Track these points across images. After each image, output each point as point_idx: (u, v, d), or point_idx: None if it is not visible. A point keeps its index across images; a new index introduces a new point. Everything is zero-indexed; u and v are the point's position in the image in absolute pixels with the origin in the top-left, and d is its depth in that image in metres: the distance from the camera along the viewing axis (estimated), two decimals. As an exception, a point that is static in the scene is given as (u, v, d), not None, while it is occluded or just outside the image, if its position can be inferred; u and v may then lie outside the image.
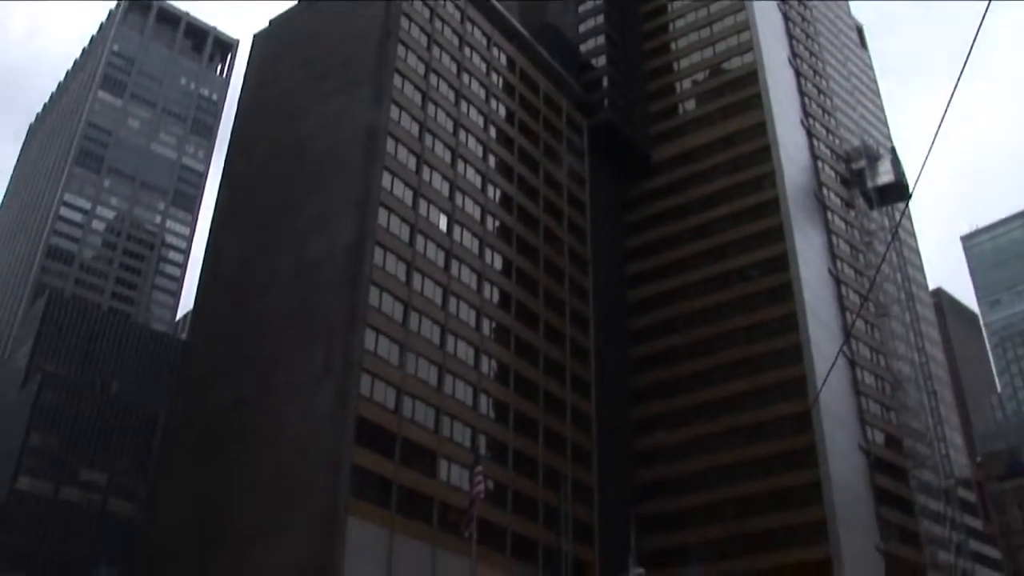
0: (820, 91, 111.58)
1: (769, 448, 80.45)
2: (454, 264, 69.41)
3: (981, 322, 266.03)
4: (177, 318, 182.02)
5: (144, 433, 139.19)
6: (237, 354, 66.39)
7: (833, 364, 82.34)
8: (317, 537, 53.43)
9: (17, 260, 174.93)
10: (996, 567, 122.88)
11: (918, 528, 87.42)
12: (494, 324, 71.67)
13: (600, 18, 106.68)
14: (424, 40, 75.80)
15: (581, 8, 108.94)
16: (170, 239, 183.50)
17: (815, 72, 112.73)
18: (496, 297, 73.05)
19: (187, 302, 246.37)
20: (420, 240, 66.86)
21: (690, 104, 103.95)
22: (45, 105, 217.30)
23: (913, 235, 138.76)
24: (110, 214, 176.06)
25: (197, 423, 66.85)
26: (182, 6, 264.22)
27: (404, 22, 73.77)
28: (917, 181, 19.81)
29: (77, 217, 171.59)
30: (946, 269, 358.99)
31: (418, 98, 72.50)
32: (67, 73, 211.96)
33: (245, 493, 59.41)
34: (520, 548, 65.39)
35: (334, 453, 55.44)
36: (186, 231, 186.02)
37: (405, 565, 54.89)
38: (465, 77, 79.40)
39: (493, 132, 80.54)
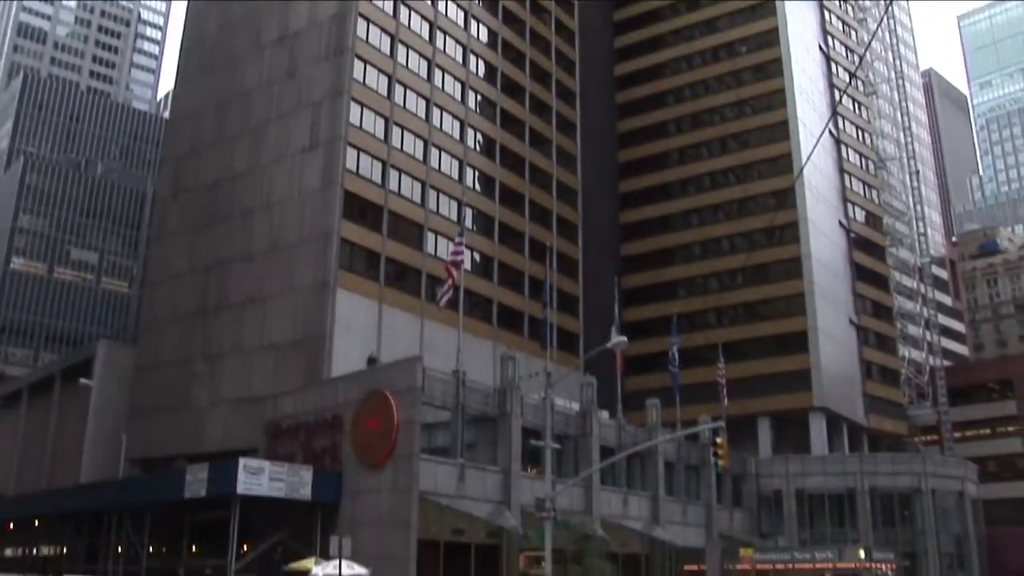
0: None
1: (752, 223, 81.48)
2: (439, 36, 67.54)
3: (969, 104, 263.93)
4: (159, 97, 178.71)
5: (132, 212, 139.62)
6: (222, 129, 65.57)
7: (818, 141, 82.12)
8: (307, 307, 54.57)
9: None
10: (960, 339, 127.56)
11: (892, 303, 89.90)
12: (479, 97, 70.64)
13: None
14: None
15: None
16: (147, 15, 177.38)
17: None
18: (482, 70, 71.65)
19: (168, 83, 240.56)
20: (404, 11, 64.78)
21: None
22: None
23: (908, 13, 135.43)
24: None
25: (186, 199, 66.85)
26: None
27: None
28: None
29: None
30: (940, 51, 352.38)
31: None
32: None
33: (237, 266, 60.23)
34: (506, 318, 67.14)
35: (322, 226, 55.79)
36: (163, 6, 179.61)
37: (393, 335, 56.29)
38: None
39: None
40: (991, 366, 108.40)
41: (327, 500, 42.61)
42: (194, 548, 46.56)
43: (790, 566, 55.33)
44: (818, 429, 74.60)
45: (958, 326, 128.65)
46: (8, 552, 64.81)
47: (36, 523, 60.40)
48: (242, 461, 40.12)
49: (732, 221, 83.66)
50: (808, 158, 77.39)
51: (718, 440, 35.86)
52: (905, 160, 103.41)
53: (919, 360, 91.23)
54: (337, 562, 34.24)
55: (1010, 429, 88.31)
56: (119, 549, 49.62)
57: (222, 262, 61.33)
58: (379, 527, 40.61)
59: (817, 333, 76.43)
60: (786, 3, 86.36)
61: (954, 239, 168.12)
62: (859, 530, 65.03)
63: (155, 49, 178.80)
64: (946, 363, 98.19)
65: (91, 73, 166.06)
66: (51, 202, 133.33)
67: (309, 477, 41.85)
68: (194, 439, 57.41)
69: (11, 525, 63.54)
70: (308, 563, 37.81)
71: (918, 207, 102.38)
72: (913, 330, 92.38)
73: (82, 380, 63.46)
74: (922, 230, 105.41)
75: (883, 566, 55.58)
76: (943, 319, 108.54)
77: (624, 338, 36.62)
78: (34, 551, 61.70)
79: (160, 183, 77.75)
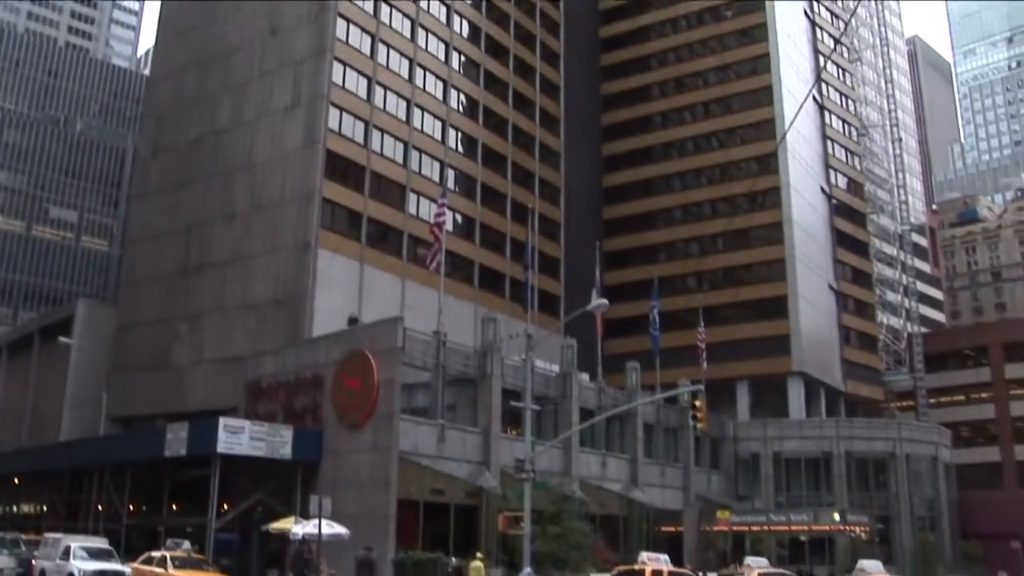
0: None
1: (735, 188, 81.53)
2: (423, -5, 67.04)
3: (953, 72, 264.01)
4: (139, 54, 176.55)
5: (112, 170, 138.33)
6: (204, 87, 64.93)
7: (801, 106, 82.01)
8: (289, 267, 54.44)
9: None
10: (938, 307, 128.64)
11: (871, 269, 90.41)
12: (463, 58, 70.14)
13: None
14: None
15: None
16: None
17: None
18: (466, 30, 71.12)
19: (148, 39, 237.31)
20: (387, -30, 64.10)
21: None
22: None
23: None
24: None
25: (167, 157, 66.35)
26: None
27: None
28: None
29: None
30: (925, 19, 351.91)
31: None
32: None
33: (219, 225, 59.96)
34: (487, 280, 67.20)
35: (304, 185, 55.55)
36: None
37: (375, 295, 56.29)
38: None
39: None
40: (967, 333, 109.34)
41: (307, 459, 42.72)
42: (175, 507, 46.65)
43: (766, 528, 56.13)
44: (796, 393, 75.23)
45: (936, 293, 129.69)
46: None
47: (16, 481, 60.41)
48: (222, 420, 40.18)
49: (714, 186, 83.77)
50: (791, 123, 77.43)
51: (697, 403, 36.11)
52: (888, 127, 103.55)
53: (897, 326, 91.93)
54: (317, 521, 34.43)
55: (984, 395, 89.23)
56: (100, 507, 49.68)
57: (203, 221, 61.03)
58: (359, 487, 40.80)
59: (797, 298, 76.87)
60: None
61: (934, 207, 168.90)
62: (834, 493, 65.80)
63: (135, 5, 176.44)
64: (923, 330, 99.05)
65: (70, 29, 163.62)
66: (29, 159, 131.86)
67: (289, 436, 41.91)
68: (175, 398, 57.41)
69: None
70: (288, 522, 37.96)
71: (900, 174, 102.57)
72: (892, 297, 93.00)
73: (61, 339, 63.23)
74: (903, 197, 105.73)
75: (857, 529, 56.42)
76: (921, 286, 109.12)
77: (605, 301, 36.71)
78: (14, 508, 61.78)
79: (140, 141, 77.07)
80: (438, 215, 45.41)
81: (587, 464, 52.93)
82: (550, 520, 42.12)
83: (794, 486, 68.07)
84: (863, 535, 56.99)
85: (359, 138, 58.93)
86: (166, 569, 33.77)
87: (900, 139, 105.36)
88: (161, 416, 56.29)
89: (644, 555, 35.48)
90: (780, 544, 58.10)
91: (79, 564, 33.21)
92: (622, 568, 33.52)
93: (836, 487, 66.26)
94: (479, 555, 37.74)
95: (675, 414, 61.86)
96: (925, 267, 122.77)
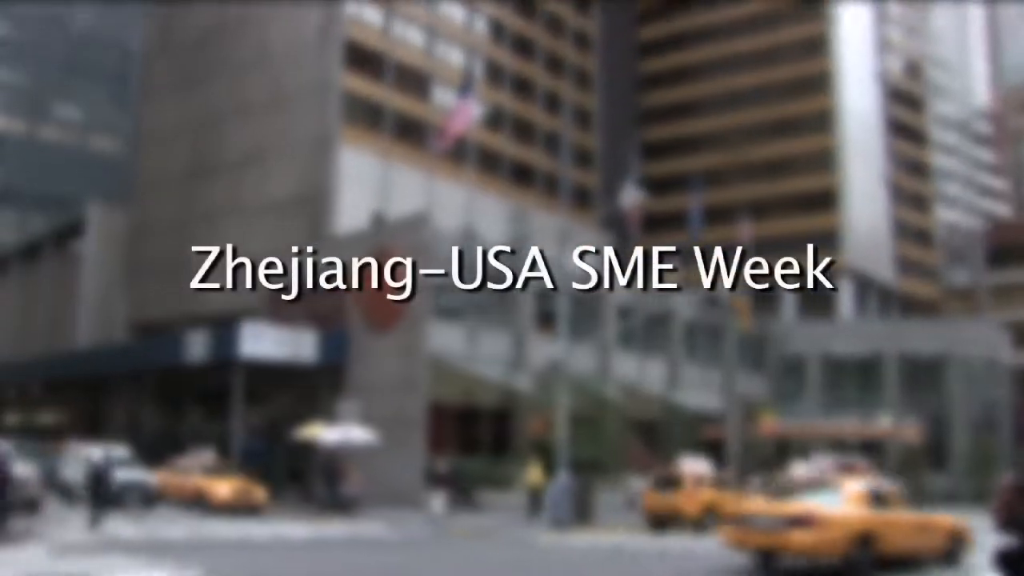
0: None
1: (781, 73, 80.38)
2: None
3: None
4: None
5: (118, 65, 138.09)
6: (211, -28, 64.41)
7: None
8: (309, 164, 54.70)
9: None
10: (1002, 199, 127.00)
11: (929, 160, 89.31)
12: (488, -64, 69.00)
13: None
14: None
15: None
16: None
17: None
18: (490, -95, 69.78)
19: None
20: None
21: None
22: None
23: None
24: None
25: (177, 51, 66.22)
26: None
27: None
28: None
29: None
30: None
31: None
32: None
33: (234, 120, 60.10)
34: (518, 174, 67.19)
35: (323, 77, 55.43)
36: None
37: (400, 192, 56.44)
38: None
39: None
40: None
41: (333, 363, 43.52)
42: (197, 415, 47.88)
43: (813, 432, 56.83)
44: (846, 292, 75.28)
45: (1001, 185, 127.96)
46: (10, 420, 66.81)
47: (35, 390, 62.05)
48: (245, 324, 40.92)
49: (760, 71, 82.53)
50: None
51: (740, 302, 36.32)
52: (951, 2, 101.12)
53: (956, 220, 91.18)
54: (345, 426, 35.32)
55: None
56: (121, 416, 51.07)
57: (217, 118, 61.19)
58: (387, 391, 41.64)
59: (847, 191, 76.34)
60: None
61: (1001, 91, 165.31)
62: (885, 397, 66.27)
63: None
64: (985, 224, 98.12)
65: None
66: (29, 54, 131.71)
67: (314, 340, 42.70)
68: (193, 303, 58.36)
69: (10, 392, 65.30)
70: (316, 428, 38.68)
71: (963, 56, 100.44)
72: (951, 189, 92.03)
73: (74, 245, 64.12)
74: (966, 82, 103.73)
75: (909, 431, 57.00)
76: (984, 177, 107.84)
77: (642, 194, 36.75)
78: (34, 418, 63.63)
79: (147, 35, 76.75)
80: (463, 104, 44.81)
81: (624, 366, 53.57)
82: (586, 424, 42.86)
83: (842, 389, 68.54)
84: (915, 439, 57.57)
85: (379, 25, 58.48)
86: (192, 476, 35.02)
87: (965, 16, 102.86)
88: (180, 322, 57.38)
89: (684, 460, 36.11)
90: (828, 448, 58.85)
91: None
92: (661, 473, 34.20)
93: (887, 390, 66.70)
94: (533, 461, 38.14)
95: (717, 313, 62.17)
96: (988, 157, 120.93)
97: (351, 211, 52.66)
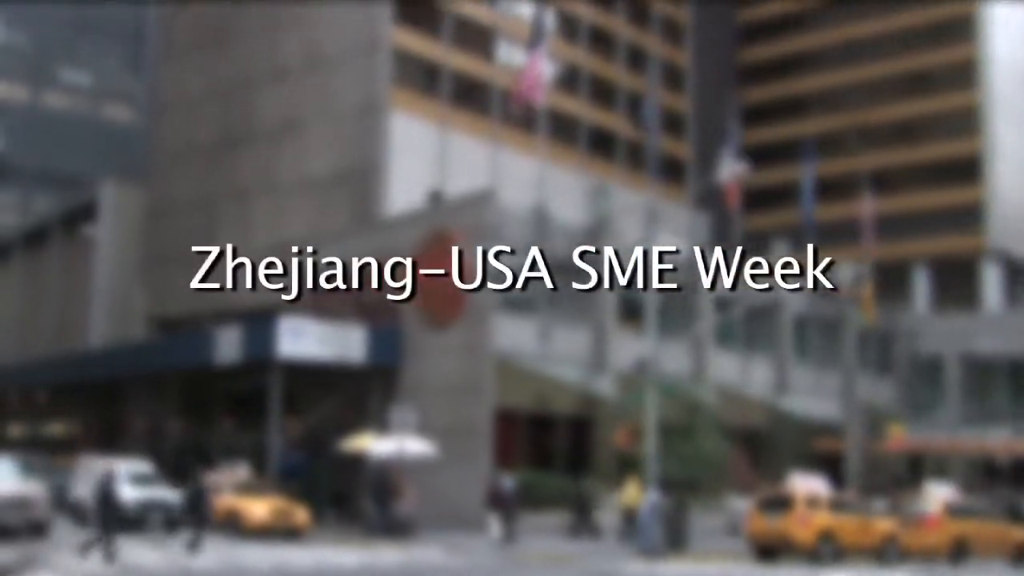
0: None
1: (912, 17, 79.45)
2: None
3: None
4: None
5: (133, 23, 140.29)
6: (239, -88, 65.42)
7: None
8: (354, 134, 55.30)
9: None
10: None
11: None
12: None
13: None
14: None
15: None
16: None
17: None
18: None
19: None
20: None
21: None
22: None
23: None
24: None
25: (200, 7, 67.22)
26: None
27: None
28: None
29: None
30: None
31: None
32: None
33: (265, 87, 60.88)
34: (597, 142, 67.37)
35: (370, 33, 55.98)
36: None
37: (460, 164, 56.73)
38: None
39: None
40: None
41: (384, 364, 44.02)
42: (228, 423, 48.70)
43: (952, 447, 56.17)
44: (992, 279, 74.28)
45: None
46: (14, 431, 68.35)
47: (43, 397, 63.36)
48: (283, 320, 41.56)
49: (883, 16, 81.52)
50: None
51: (862, 291, 36.25)
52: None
53: None
54: (398, 437, 35.81)
55: None
56: (140, 425, 52.07)
57: (247, 83, 61.97)
58: (446, 395, 42.07)
59: (994, 157, 75.33)
60: None
61: None
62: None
63: None
64: None
65: None
66: (30, 11, 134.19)
67: (362, 337, 43.25)
68: (221, 295, 59.31)
69: (13, 400, 66.79)
70: (365, 439, 39.09)
71: None
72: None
73: (85, 229, 65.28)
74: None
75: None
76: None
77: (744, 165, 36.83)
78: (42, 429, 65.08)
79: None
80: (533, 61, 44.74)
81: (723, 367, 53.58)
82: (679, 434, 43.01)
83: (988, 396, 67.68)
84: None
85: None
86: (223, 495, 35.73)
87: None
88: (207, 317, 58.36)
89: (795, 477, 36.11)
90: (971, 467, 58.26)
91: (121, 492, 35.07)
92: (767, 493, 34.27)
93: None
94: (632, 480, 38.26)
95: (834, 305, 61.77)
96: None
97: (403, 188, 53.10)
